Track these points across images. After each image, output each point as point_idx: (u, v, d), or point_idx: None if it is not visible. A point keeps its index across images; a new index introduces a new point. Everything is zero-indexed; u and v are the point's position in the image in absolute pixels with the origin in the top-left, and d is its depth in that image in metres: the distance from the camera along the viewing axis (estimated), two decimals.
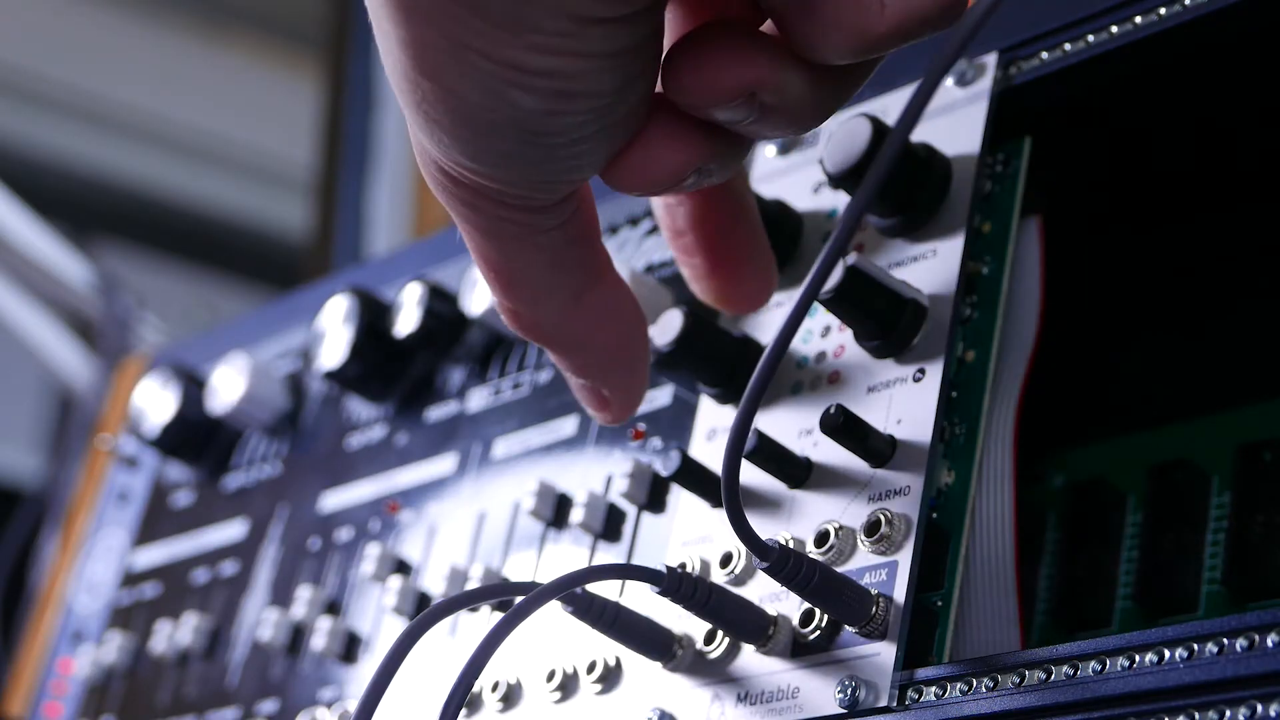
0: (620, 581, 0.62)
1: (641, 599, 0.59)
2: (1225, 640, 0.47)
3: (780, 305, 0.63)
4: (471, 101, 0.45)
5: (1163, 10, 0.57)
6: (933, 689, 0.52)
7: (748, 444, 0.57)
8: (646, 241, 0.70)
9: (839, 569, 0.55)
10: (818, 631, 0.55)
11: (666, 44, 0.47)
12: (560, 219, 0.50)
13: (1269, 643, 0.46)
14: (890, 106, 0.63)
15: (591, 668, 0.61)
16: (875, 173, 0.44)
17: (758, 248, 0.58)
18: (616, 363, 0.55)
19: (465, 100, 0.45)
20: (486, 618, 0.67)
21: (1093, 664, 0.49)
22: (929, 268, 0.59)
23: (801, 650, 0.55)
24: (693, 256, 0.57)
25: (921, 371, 0.57)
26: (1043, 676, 0.50)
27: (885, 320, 0.57)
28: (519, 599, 0.50)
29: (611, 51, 0.44)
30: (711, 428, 0.62)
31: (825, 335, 0.61)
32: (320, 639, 0.73)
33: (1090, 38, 0.59)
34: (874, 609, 0.54)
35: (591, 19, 0.43)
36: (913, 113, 0.43)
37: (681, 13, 0.49)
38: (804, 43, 0.46)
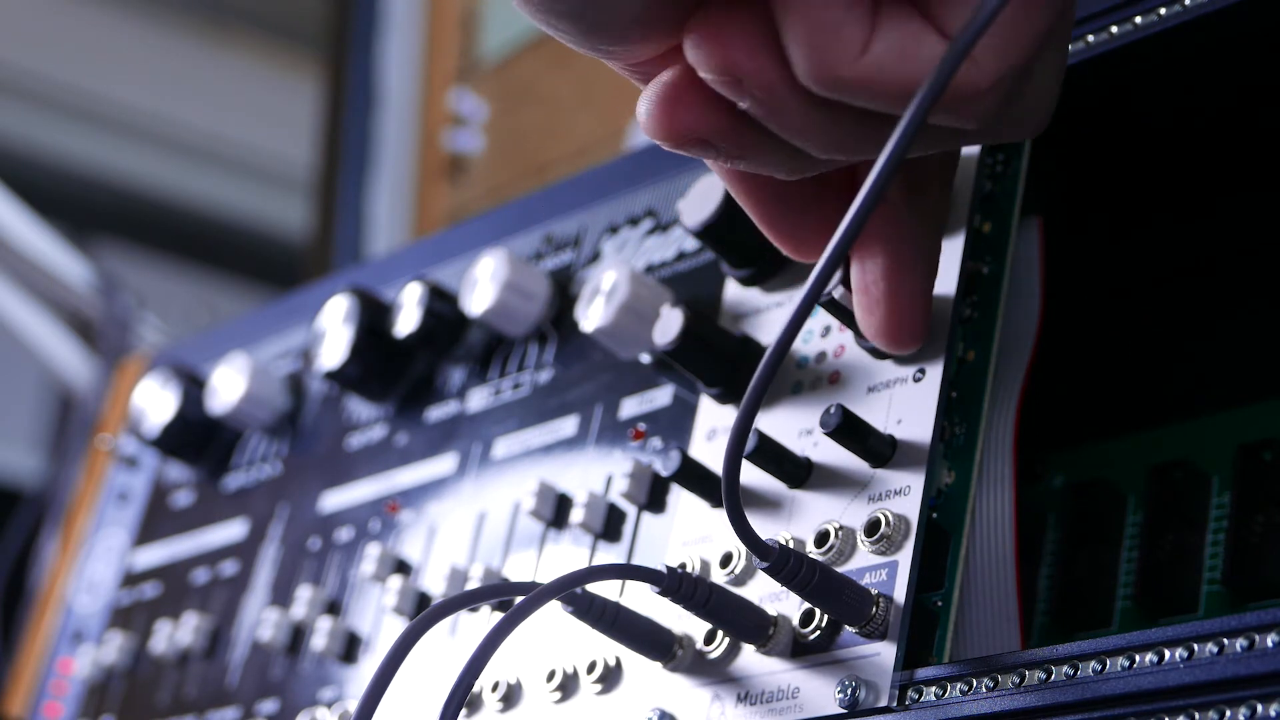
0: (620, 581, 0.62)
1: (641, 599, 0.59)
2: (1225, 640, 0.47)
3: (781, 305, 0.63)
4: None
5: (1163, 10, 0.57)
6: (933, 689, 0.52)
7: (748, 444, 0.57)
8: (647, 241, 0.70)
9: (839, 569, 0.55)
10: (818, 631, 0.55)
11: None
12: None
13: (1269, 643, 0.46)
14: None
15: (591, 668, 0.61)
16: (879, 176, 0.44)
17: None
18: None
19: None
20: (486, 618, 0.67)
21: (1093, 664, 0.49)
22: None
23: (801, 650, 0.55)
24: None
25: (921, 371, 0.57)
26: (1043, 676, 0.50)
27: None
28: (519, 599, 0.50)
29: None
30: (711, 428, 0.62)
31: (825, 335, 0.61)
32: (320, 639, 0.73)
33: (1090, 38, 0.59)
34: (874, 609, 0.54)
35: None
36: (902, 144, 0.43)
37: None
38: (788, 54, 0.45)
